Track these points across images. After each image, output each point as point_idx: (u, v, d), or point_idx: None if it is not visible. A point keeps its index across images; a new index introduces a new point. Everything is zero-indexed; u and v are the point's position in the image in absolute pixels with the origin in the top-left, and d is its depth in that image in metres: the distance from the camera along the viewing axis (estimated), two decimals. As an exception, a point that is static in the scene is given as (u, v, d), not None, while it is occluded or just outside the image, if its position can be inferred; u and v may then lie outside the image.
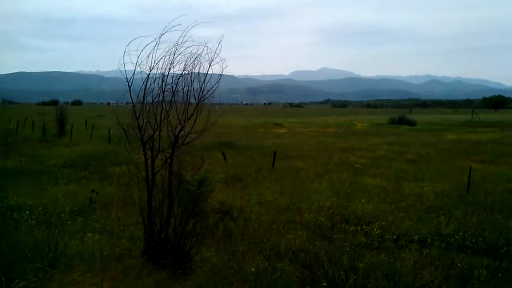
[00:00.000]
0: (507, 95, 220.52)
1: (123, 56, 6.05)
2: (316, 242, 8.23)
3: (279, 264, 7.14)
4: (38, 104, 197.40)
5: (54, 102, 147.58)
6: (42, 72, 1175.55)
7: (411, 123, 54.01)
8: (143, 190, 6.61)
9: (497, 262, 7.58)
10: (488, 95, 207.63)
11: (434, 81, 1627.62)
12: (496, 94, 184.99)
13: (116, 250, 6.93)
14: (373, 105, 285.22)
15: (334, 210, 10.53)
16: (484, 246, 8.32)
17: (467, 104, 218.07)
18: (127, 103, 6.56)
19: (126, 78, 6.26)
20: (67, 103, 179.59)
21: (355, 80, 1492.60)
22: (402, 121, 55.95)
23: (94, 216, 9.34)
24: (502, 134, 38.02)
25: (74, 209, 10.01)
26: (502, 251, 8.03)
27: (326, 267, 7.07)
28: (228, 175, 14.52)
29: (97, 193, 9.71)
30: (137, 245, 7.16)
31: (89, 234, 7.72)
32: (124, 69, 6.16)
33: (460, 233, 8.83)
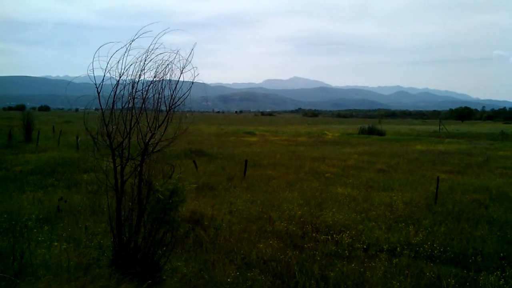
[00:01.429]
0: (473, 107, 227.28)
1: (92, 62, 5.92)
2: (287, 251, 8.20)
3: (250, 274, 7.08)
4: (4, 109, 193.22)
5: (21, 107, 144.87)
6: (7, 76, 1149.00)
7: (381, 133, 54.77)
8: (112, 198, 6.49)
9: (465, 271, 7.68)
10: (455, 106, 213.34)
11: (402, 92, 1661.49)
12: (463, 106, 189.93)
13: (83, 260, 6.79)
14: (343, 114, 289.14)
15: (305, 219, 10.53)
16: (452, 255, 8.43)
17: (435, 115, 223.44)
18: (96, 109, 6.44)
19: (95, 84, 6.14)
20: (34, 108, 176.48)
21: (325, 89, 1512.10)
22: (371, 131, 56.67)
23: (61, 225, 9.15)
24: (470, 145, 38.91)
25: (41, 217, 9.78)
26: (470, 260, 8.15)
27: (297, 277, 7.04)
28: (199, 184, 14.42)
29: (66, 201, 9.50)
30: (105, 254, 7.01)
31: (56, 243, 7.53)
32: (93, 74, 6.05)
33: (429, 243, 8.93)
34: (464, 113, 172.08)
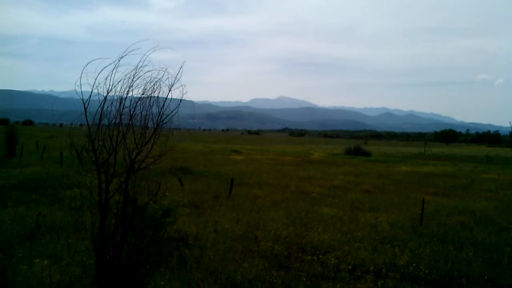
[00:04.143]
0: (458, 130, 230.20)
1: (80, 77, 5.88)
2: (273, 272, 8.13)
3: (235, 294, 7.00)
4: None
5: (4, 121, 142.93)
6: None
7: (367, 154, 55.07)
8: (96, 215, 6.39)
9: (450, 293, 7.67)
10: (440, 129, 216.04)
11: (388, 113, 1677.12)
12: (448, 128, 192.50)
13: (66, 278, 6.65)
14: (329, 135, 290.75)
15: (291, 239, 10.47)
16: (437, 277, 8.41)
17: (420, 137, 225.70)
18: (81, 124, 6.38)
19: (83, 100, 6.09)
20: (17, 122, 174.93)
21: (312, 109, 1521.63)
22: (357, 151, 56.92)
23: (43, 241, 8.97)
24: (454, 167, 39.21)
25: (22, 233, 9.60)
26: (455, 282, 8.15)
27: (282, 298, 6.97)
28: (184, 201, 14.29)
29: (44, 217, 9.35)
30: (88, 272, 6.88)
31: (37, 260, 7.39)
32: (80, 90, 6.00)
33: (414, 264, 8.91)
34: (449, 135, 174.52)
